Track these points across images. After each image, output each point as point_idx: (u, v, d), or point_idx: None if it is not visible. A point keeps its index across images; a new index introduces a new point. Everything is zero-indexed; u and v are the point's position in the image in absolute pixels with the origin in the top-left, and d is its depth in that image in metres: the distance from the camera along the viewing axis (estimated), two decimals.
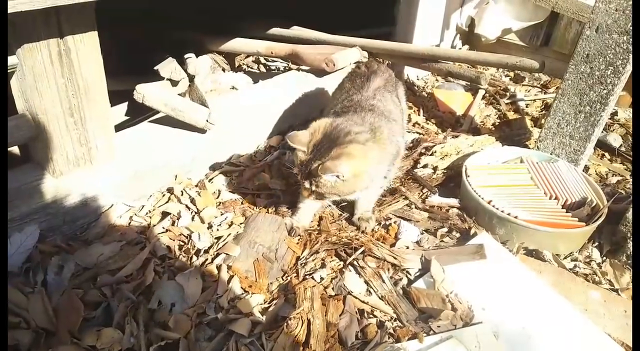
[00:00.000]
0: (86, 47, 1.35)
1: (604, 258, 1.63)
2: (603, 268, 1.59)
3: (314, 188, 1.46)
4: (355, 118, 1.56)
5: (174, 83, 1.88)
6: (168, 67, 1.82)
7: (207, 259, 1.44)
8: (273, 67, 3.39)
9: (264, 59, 3.37)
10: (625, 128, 2.52)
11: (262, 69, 3.40)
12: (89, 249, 1.44)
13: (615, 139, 2.37)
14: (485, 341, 1.28)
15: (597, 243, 1.67)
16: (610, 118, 2.60)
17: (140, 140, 1.75)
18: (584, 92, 1.87)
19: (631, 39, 1.71)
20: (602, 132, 2.43)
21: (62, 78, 1.36)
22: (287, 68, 3.24)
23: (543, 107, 2.72)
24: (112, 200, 1.61)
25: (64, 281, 1.33)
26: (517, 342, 1.29)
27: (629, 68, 1.78)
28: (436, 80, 3.01)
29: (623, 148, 2.35)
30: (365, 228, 1.64)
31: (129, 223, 1.59)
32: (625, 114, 2.66)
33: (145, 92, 1.64)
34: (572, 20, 2.95)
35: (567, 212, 1.64)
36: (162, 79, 2.01)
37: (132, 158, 1.66)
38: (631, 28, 1.70)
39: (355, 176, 1.43)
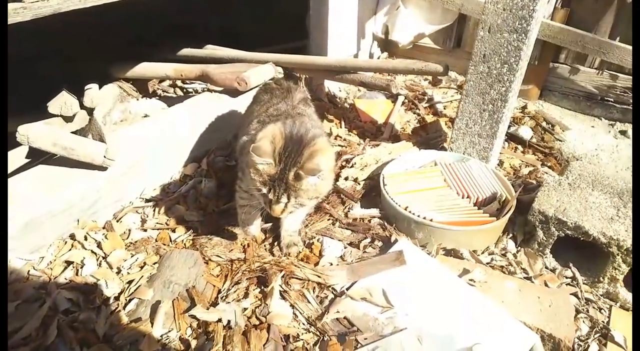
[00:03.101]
0: None
1: (519, 248, 1.80)
2: (518, 258, 1.75)
3: (292, 200, 1.37)
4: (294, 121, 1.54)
5: (68, 119, 1.84)
6: (58, 102, 1.78)
7: (116, 307, 1.42)
8: (191, 90, 3.38)
9: (181, 82, 3.36)
10: (535, 120, 2.79)
11: (180, 92, 3.38)
12: None
13: (526, 132, 2.61)
14: (409, 347, 1.37)
15: (511, 235, 1.83)
16: (520, 112, 2.88)
17: (32, 185, 1.69)
18: (485, 91, 2.06)
19: (520, 37, 1.92)
20: (514, 125, 2.68)
21: None
22: (204, 90, 3.26)
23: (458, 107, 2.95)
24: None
25: None
26: (440, 342, 1.38)
27: (522, 64, 1.99)
28: (358, 90, 3.16)
29: (534, 140, 2.60)
30: (290, 253, 1.69)
31: (26, 278, 1.53)
32: (535, 106, 2.95)
33: (29, 133, 1.60)
34: (479, 20, 3.24)
35: (478, 209, 1.79)
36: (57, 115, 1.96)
37: (23, 206, 1.60)
38: (519, 26, 1.91)
39: (330, 171, 1.42)
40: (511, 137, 2.58)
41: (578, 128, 2.74)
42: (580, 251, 1.71)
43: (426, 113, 2.83)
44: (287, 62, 2.61)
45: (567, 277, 1.69)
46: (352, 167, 2.13)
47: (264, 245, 1.75)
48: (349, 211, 1.92)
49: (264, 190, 1.37)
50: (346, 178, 2.10)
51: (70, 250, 1.64)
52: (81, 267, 1.56)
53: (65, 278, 1.52)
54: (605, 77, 2.78)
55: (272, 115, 1.66)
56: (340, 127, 2.66)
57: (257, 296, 1.53)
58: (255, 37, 3.20)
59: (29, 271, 1.55)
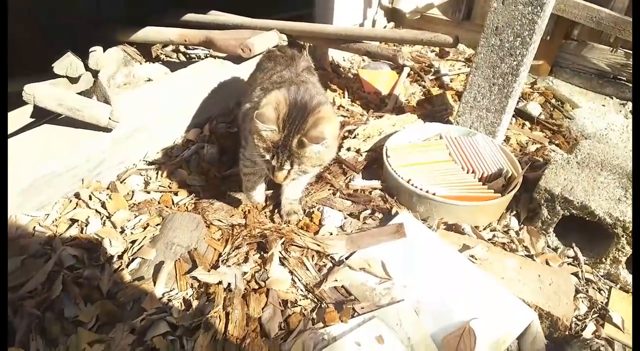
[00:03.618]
0: None
1: (522, 225, 1.79)
2: (520, 236, 1.75)
3: (295, 167, 1.37)
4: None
5: (73, 80, 1.82)
6: (63, 62, 1.76)
7: (120, 265, 1.45)
8: (194, 55, 3.33)
9: (184, 47, 3.31)
10: (544, 96, 2.74)
11: (182, 58, 3.33)
12: None
13: (534, 108, 2.58)
14: (406, 318, 1.38)
15: (514, 212, 1.83)
16: (530, 87, 2.82)
17: (37, 144, 1.69)
18: (495, 65, 2.02)
19: (535, 9, 1.86)
20: (523, 101, 2.64)
21: None
22: (207, 56, 3.21)
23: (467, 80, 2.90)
24: (9, 212, 1.56)
25: None
26: (437, 316, 1.39)
27: (536, 38, 1.94)
28: (362, 60, 3.10)
29: (542, 116, 2.56)
30: (290, 221, 1.70)
31: (32, 234, 1.55)
32: (544, 83, 2.90)
33: (35, 92, 1.59)
34: None
35: (483, 185, 1.79)
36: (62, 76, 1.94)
37: (29, 165, 1.61)
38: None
39: (334, 138, 1.41)
40: (519, 113, 2.54)
41: (588, 107, 2.70)
42: (582, 233, 1.70)
43: (432, 86, 2.79)
44: (291, 29, 2.56)
45: (569, 257, 1.69)
46: (354, 137, 2.12)
47: (265, 212, 1.76)
48: (350, 182, 1.92)
49: (267, 157, 1.36)
50: (348, 149, 2.09)
51: (75, 208, 1.65)
52: (86, 225, 1.58)
53: (70, 236, 1.54)
54: (620, 55, 2.72)
55: (275, 82, 1.64)
56: (344, 97, 2.62)
57: (256, 262, 1.55)
58: (260, 4, 3.11)
59: (34, 227, 1.57)
